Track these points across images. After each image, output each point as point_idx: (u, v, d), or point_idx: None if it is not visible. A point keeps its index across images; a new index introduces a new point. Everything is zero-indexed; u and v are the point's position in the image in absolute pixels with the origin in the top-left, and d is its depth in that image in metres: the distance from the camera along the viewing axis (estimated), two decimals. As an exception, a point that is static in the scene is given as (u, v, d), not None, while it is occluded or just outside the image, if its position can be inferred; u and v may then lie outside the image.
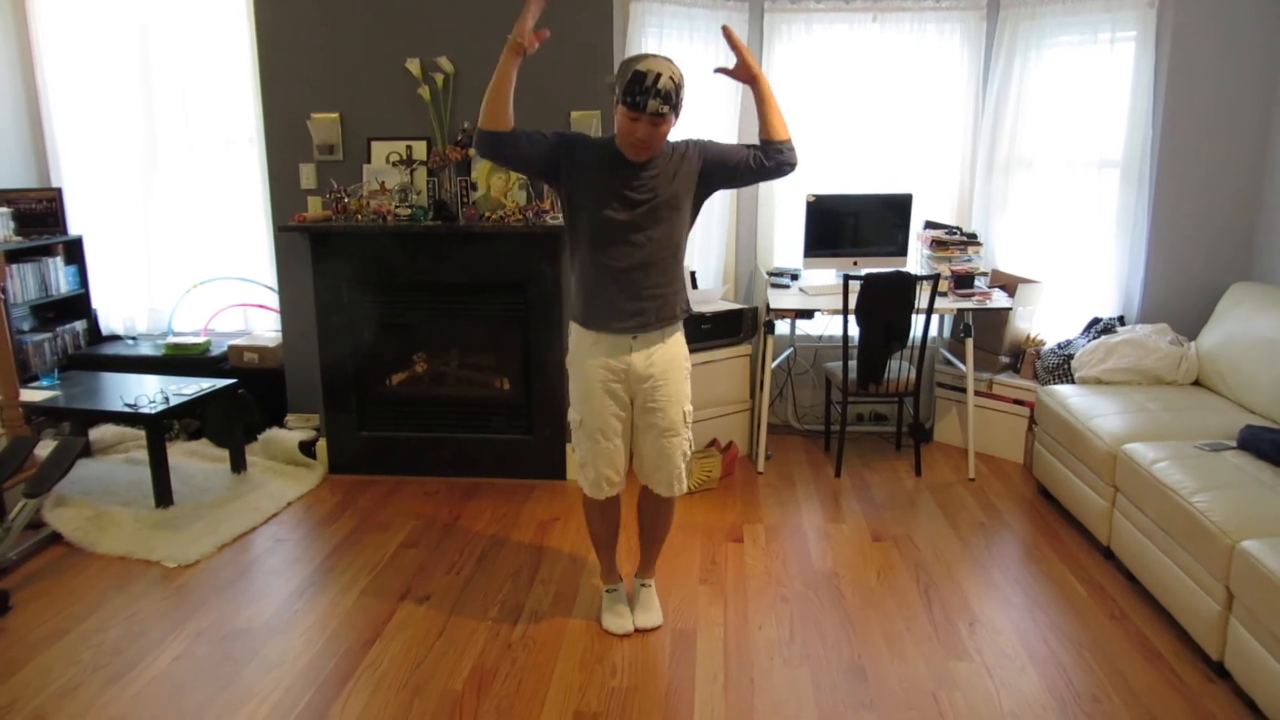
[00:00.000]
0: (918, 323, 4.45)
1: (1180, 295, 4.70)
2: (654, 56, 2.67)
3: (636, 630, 3.21)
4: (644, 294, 2.88)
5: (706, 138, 2.96)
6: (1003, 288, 4.81)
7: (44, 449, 4.02)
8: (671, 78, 2.62)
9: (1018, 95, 4.83)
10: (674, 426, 3.01)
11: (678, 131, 2.81)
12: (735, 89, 4.88)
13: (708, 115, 4.88)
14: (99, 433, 4.92)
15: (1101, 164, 4.76)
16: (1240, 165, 4.56)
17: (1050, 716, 2.74)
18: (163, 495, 4.11)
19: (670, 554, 3.73)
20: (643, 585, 3.34)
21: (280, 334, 5.06)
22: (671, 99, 2.62)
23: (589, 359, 2.97)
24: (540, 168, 2.92)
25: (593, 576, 3.59)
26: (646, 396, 2.98)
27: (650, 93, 2.58)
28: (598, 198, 2.81)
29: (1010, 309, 4.74)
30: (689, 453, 3.11)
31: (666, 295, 2.92)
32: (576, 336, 3.02)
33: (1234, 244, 4.64)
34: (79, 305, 5.42)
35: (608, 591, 3.32)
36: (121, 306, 5.55)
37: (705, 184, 2.92)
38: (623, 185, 2.79)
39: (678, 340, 3.02)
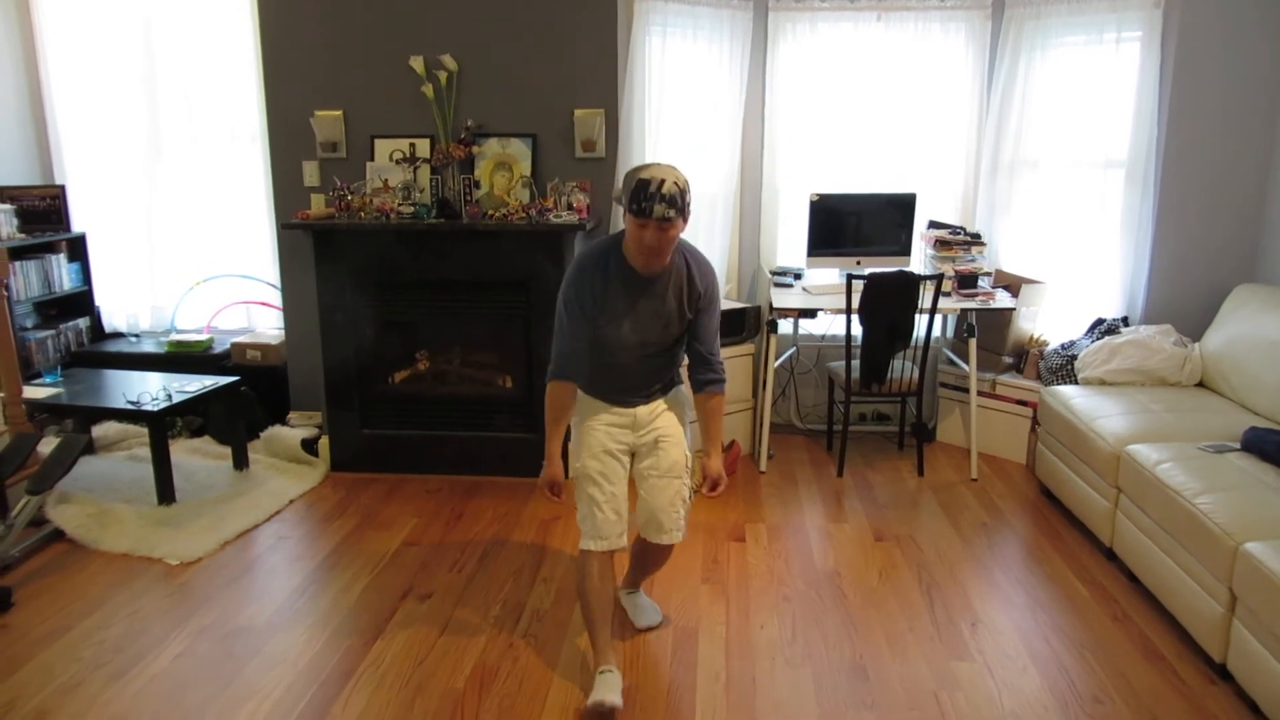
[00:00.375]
0: (921, 323, 4.45)
1: (1184, 296, 4.69)
2: (657, 165, 2.72)
3: (644, 629, 3.22)
4: (648, 382, 2.98)
5: (714, 310, 2.95)
6: (1006, 288, 4.80)
7: (47, 446, 4.02)
8: (676, 183, 2.65)
9: (1022, 95, 4.82)
10: (674, 468, 2.97)
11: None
12: (738, 90, 4.88)
13: (710, 115, 4.88)
14: (102, 430, 4.93)
15: (1106, 164, 4.75)
16: (1245, 166, 4.55)
17: (1052, 717, 2.74)
18: (165, 492, 4.11)
19: (673, 553, 3.72)
20: (629, 593, 3.33)
21: (283, 332, 5.07)
22: (677, 203, 2.64)
23: (592, 414, 3.00)
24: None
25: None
26: (647, 440, 2.98)
27: (655, 198, 2.62)
28: (610, 317, 2.85)
29: (1014, 309, 4.73)
30: (689, 499, 3.03)
31: (669, 377, 3.03)
32: (582, 400, 3.02)
33: (1239, 245, 4.63)
34: (82, 302, 5.43)
35: (600, 674, 2.81)
36: (124, 304, 5.55)
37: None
38: (633, 303, 2.84)
39: (679, 391, 3.08)
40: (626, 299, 2.83)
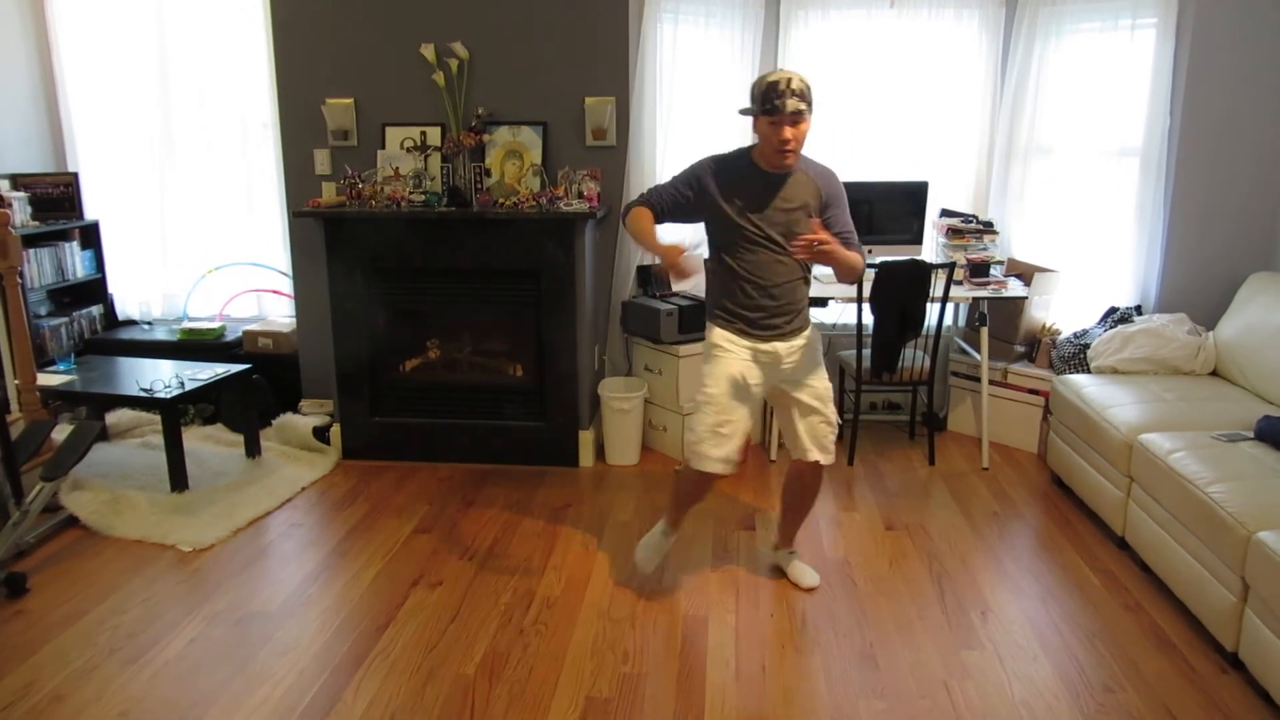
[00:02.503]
0: (932, 311, 4.43)
1: (1198, 285, 4.65)
2: (779, 69, 2.94)
3: (808, 589, 3.41)
4: (782, 304, 3.12)
5: (844, 210, 3.15)
6: (1019, 276, 4.78)
7: (61, 433, 4.04)
8: (802, 80, 2.88)
9: (1036, 82, 4.78)
10: (820, 395, 3.18)
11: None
12: (749, 76, 4.85)
13: (722, 104, 4.86)
14: (115, 417, 4.95)
15: (1121, 152, 4.71)
16: (1260, 154, 4.51)
17: (1062, 706, 2.73)
18: (178, 479, 4.13)
19: (682, 541, 3.73)
20: (791, 554, 3.51)
21: (294, 319, 5.08)
22: (807, 97, 2.88)
23: (728, 345, 3.14)
24: (697, 218, 3.22)
25: (605, 562, 3.60)
26: (789, 374, 3.17)
27: (787, 94, 2.84)
28: (741, 209, 3.04)
29: (1026, 298, 4.71)
30: (836, 425, 3.25)
31: (801, 304, 3.19)
32: (716, 332, 3.19)
33: (1253, 233, 4.60)
34: (95, 290, 5.45)
35: (665, 533, 3.42)
36: (137, 291, 5.58)
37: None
38: (761, 197, 3.03)
39: (814, 329, 3.26)
40: (757, 195, 3.03)
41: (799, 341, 3.16)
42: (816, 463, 3.22)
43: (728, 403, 3.09)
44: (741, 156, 3.09)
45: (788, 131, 2.90)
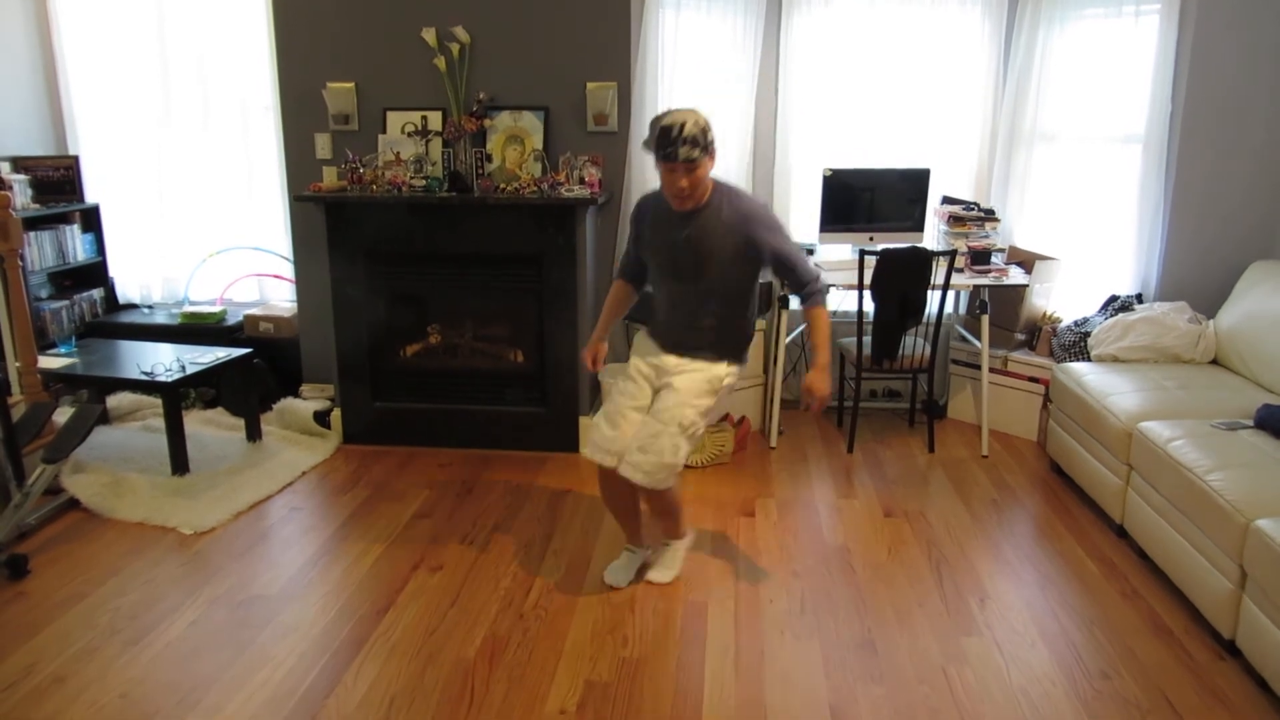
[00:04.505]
0: (933, 299, 4.43)
1: (1199, 273, 4.65)
2: (676, 110, 2.87)
3: (646, 582, 3.36)
4: (681, 326, 3.14)
5: (770, 237, 3.02)
6: (1020, 264, 4.77)
7: (62, 415, 4.05)
8: (696, 123, 2.81)
9: (1039, 69, 4.77)
10: (666, 413, 3.03)
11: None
12: (751, 64, 4.84)
13: (723, 89, 4.85)
14: (116, 400, 4.96)
15: (1124, 139, 4.70)
16: (1262, 142, 4.50)
17: (1060, 692, 2.75)
18: (179, 463, 4.14)
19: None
20: (665, 544, 3.44)
21: (295, 304, 5.08)
22: (699, 142, 2.81)
23: (640, 350, 3.26)
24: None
25: (605, 548, 3.61)
26: (664, 383, 3.14)
27: (678, 142, 2.79)
28: (656, 248, 3.11)
29: (1027, 286, 4.70)
30: (671, 457, 3.02)
31: (705, 336, 3.12)
32: (639, 339, 3.33)
33: (1254, 221, 4.59)
34: (96, 273, 5.45)
35: (624, 549, 3.46)
36: (138, 275, 5.57)
37: (754, 263, 3.07)
38: (670, 234, 3.05)
39: (716, 367, 3.13)
40: (662, 232, 3.07)
41: (693, 364, 3.11)
42: (632, 482, 3.05)
43: (619, 403, 3.17)
44: (660, 194, 3.08)
45: (683, 180, 2.86)
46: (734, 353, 3.16)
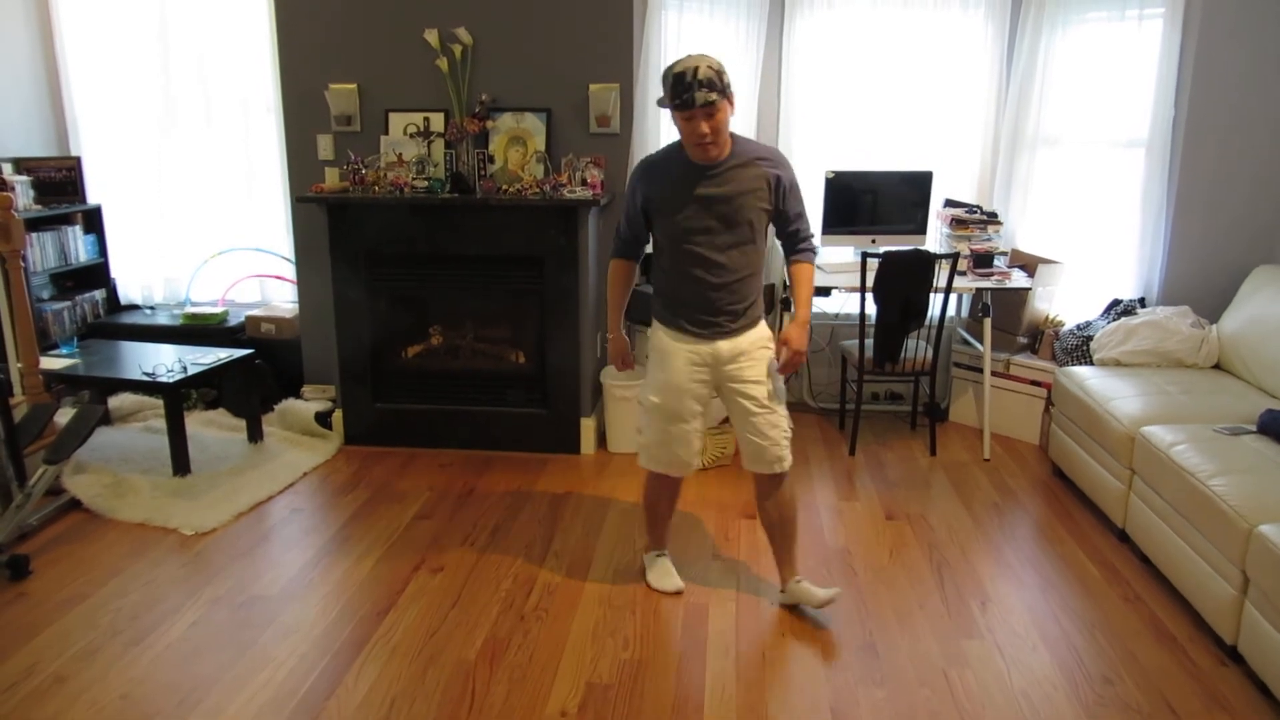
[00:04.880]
0: (935, 302, 4.43)
1: (1202, 277, 4.64)
2: (689, 56, 2.76)
3: (822, 603, 3.13)
4: (724, 301, 2.97)
5: (789, 175, 2.99)
6: (1022, 267, 4.77)
7: (63, 416, 4.05)
8: (710, 67, 2.71)
9: (1043, 72, 4.76)
10: (768, 397, 3.02)
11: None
12: (754, 66, 4.84)
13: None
14: (118, 401, 4.96)
15: (1128, 143, 4.69)
16: (1266, 146, 4.49)
17: (1061, 696, 2.74)
18: (180, 464, 4.14)
19: (684, 529, 3.75)
20: (798, 582, 3.19)
21: (297, 305, 5.08)
22: (716, 84, 2.71)
23: (672, 347, 3.04)
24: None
25: (606, 549, 3.61)
26: (732, 374, 3.01)
27: (694, 86, 2.68)
28: (677, 209, 2.92)
29: (1029, 289, 4.70)
30: (788, 430, 3.06)
31: (747, 302, 3.02)
32: (659, 331, 3.10)
33: (1258, 226, 4.58)
34: (98, 274, 5.45)
35: (657, 556, 3.41)
36: (140, 276, 5.58)
37: (770, 208, 3.00)
38: (694, 190, 2.89)
39: (760, 327, 3.09)
40: (684, 190, 2.90)
41: (744, 341, 3.02)
42: (775, 474, 3.07)
43: (673, 410, 3.04)
44: (671, 153, 2.96)
45: (704, 125, 2.75)
46: (762, 308, 3.11)
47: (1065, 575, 3.47)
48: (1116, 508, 3.72)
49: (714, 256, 2.93)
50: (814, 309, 5.16)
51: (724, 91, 2.73)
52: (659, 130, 4.72)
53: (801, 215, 3.04)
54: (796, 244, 3.07)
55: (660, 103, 2.82)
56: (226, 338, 5.05)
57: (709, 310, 2.97)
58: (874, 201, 4.88)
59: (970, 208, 4.90)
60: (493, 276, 4.50)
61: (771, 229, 3.08)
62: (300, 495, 4.12)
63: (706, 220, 2.90)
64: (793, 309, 3.07)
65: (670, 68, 2.75)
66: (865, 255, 4.40)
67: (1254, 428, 3.45)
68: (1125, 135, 4.70)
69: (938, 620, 3.15)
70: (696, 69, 2.69)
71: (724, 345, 3.00)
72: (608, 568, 3.47)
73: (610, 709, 2.67)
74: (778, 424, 3.02)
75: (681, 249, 2.95)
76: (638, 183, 3.00)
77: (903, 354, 4.47)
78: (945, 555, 3.61)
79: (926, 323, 4.46)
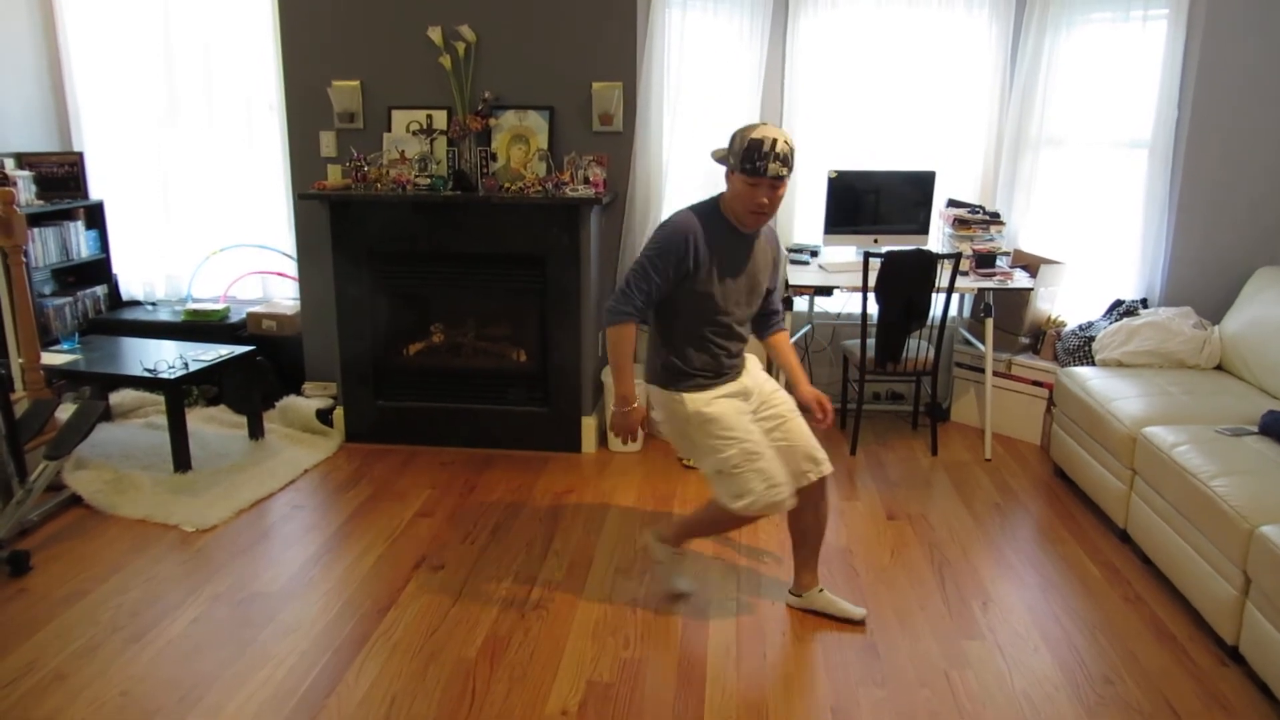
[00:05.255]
0: (938, 302, 4.42)
1: (1204, 278, 4.64)
2: (765, 124, 2.78)
3: (860, 620, 3.12)
4: (743, 344, 3.07)
5: (781, 255, 3.18)
6: (1024, 268, 4.77)
7: (64, 412, 4.05)
8: (786, 142, 2.73)
9: (1047, 73, 4.75)
10: (793, 405, 3.10)
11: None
12: (758, 65, 4.83)
13: (729, 90, 4.84)
14: (119, 397, 4.96)
15: (1131, 144, 4.69)
16: (1269, 148, 4.49)
17: (1062, 697, 2.74)
18: (181, 460, 4.14)
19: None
20: (820, 591, 3.18)
21: (298, 302, 5.08)
22: (789, 162, 2.74)
23: (717, 399, 2.97)
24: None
25: (606, 548, 3.60)
26: (763, 397, 3.07)
27: (770, 157, 2.70)
28: (726, 277, 2.90)
29: (1031, 289, 4.69)
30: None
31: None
32: (679, 400, 2.98)
33: (1260, 228, 4.58)
34: (99, 270, 5.45)
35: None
36: (141, 272, 5.58)
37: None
38: (738, 257, 2.92)
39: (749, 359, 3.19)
40: (733, 257, 2.90)
41: (749, 366, 3.12)
42: (823, 479, 3.06)
43: (755, 444, 2.93)
44: (713, 218, 2.88)
45: (764, 196, 2.75)
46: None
47: (1066, 575, 3.47)
48: (1118, 508, 3.72)
49: (739, 330, 3.00)
50: (816, 308, 5.21)
51: (792, 169, 2.77)
52: (661, 130, 4.72)
53: (779, 286, 3.14)
54: (775, 315, 3.20)
55: (719, 158, 2.84)
56: (228, 334, 5.05)
57: (732, 362, 3.03)
58: (876, 201, 4.87)
59: (973, 208, 4.89)
60: (494, 275, 4.50)
61: None
62: (301, 492, 4.12)
63: (741, 291, 2.94)
64: (789, 377, 3.17)
65: (744, 131, 2.75)
66: (867, 255, 4.40)
67: (1256, 429, 3.44)
68: (1128, 136, 4.69)
69: (939, 620, 3.15)
70: (776, 141, 2.69)
71: (745, 379, 3.08)
72: (608, 566, 3.47)
73: (611, 707, 2.67)
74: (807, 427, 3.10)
75: (712, 319, 2.92)
76: (678, 251, 2.81)
77: (904, 354, 4.47)
78: (946, 555, 3.61)
79: (928, 323, 4.46)
